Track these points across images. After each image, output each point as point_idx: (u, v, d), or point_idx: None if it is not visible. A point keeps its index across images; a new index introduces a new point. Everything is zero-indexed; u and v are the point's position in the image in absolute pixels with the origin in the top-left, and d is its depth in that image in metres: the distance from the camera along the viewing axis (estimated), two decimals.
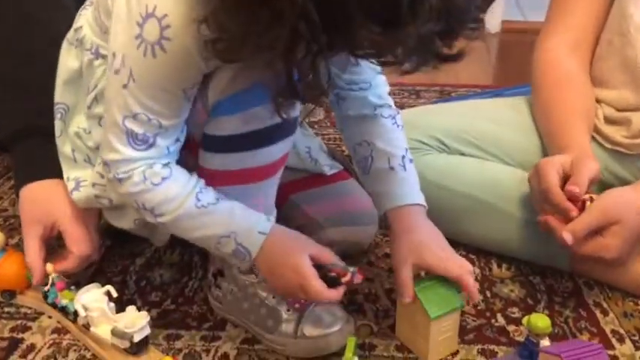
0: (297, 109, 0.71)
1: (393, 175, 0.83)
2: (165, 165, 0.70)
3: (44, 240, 0.86)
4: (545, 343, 0.72)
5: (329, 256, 0.74)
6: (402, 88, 1.80)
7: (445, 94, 1.82)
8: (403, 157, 0.84)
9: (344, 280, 0.74)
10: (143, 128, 0.67)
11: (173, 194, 0.70)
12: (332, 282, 0.73)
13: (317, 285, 0.71)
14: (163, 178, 0.69)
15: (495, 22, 2.66)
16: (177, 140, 0.71)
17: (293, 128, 0.73)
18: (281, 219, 0.78)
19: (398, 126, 0.86)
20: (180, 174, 0.71)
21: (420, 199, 0.83)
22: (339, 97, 0.86)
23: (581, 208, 0.81)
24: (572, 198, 0.80)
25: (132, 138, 0.67)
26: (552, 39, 1.02)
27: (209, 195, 0.72)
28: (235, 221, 0.72)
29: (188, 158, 0.74)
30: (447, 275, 0.77)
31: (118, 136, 0.68)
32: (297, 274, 0.71)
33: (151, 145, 0.68)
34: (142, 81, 0.64)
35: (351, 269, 0.74)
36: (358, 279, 0.74)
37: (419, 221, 0.81)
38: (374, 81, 0.85)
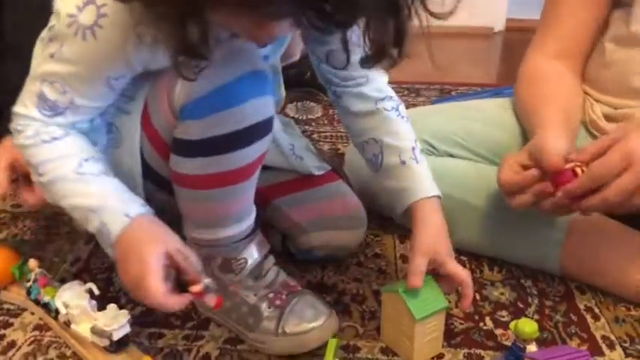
0: (271, 106, 0.69)
1: (405, 169, 0.81)
2: (63, 128, 0.69)
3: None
4: (532, 348, 0.71)
5: (188, 260, 0.67)
6: (401, 86, 1.78)
7: (445, 93, 1.80)
8: (413, 148, 0.82)
9: (192, 289, 0.66)
10: (55, 96, 0.67)
11: (57, 155, 0.68)
12: (184, 289, 0.66)
13: (155, 285, 0.63)
14: (53, 138, 0.68)
15: (499, 20, 2.64)
16: (89, 121, 0.71)
17: (268, 129, 0.70)
18: (264, 222, 0.76)
19: (403, 117, 0.83)
20: (75, 139, 0.70)
21: (436, 190, 0.81)
22: (336, 95, 0.84)
23: (572, 177, 0.77)
24: (559, 169, 0.78)
25: (42, 101, 0.67)
26: (540, 49, 1.01)
27: (94, 166, 0.69)
28: (107, 197, 0.67)
29: (163, 164, 0.72)
30: (455, 275, 0.76)
31: (31, 94, 0.68)
32: (141, 267, 0.64)
33: (58, 115, 0.68)
34: (69, 58, 0.64)
35: (207, 281, 0.67)
36: (212, 301, 0.67)
37: (436, 215, 0.79)
38: (371, 74, 0.82)
